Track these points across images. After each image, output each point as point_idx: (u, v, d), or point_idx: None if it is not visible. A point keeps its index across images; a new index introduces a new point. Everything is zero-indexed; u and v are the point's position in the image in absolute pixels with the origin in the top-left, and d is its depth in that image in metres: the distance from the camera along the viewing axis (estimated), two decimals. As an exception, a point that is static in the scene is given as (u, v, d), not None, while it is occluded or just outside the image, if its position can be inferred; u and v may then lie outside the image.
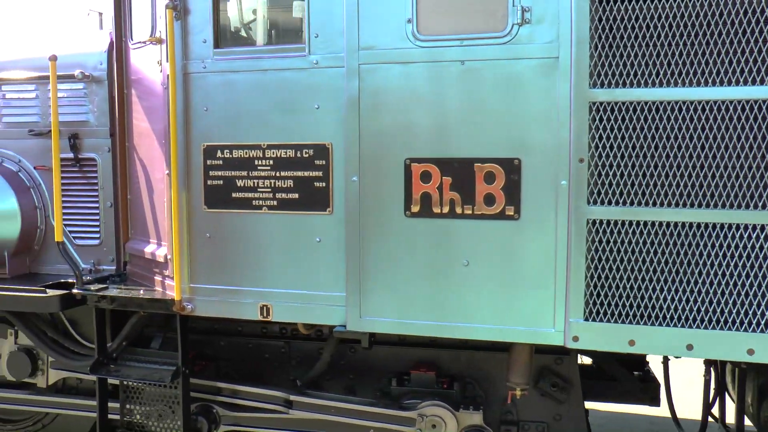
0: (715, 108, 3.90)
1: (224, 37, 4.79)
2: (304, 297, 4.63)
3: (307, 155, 4.54)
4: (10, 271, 5.64)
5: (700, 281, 4.00)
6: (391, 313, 4.44)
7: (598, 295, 4.13)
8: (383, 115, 4.34)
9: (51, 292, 5.19)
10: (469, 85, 4.21)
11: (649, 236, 4.05)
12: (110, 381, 5.48)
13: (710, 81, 3.89)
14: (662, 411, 6.23)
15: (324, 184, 4.52)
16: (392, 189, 4.37)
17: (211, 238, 4.78)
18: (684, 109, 3.94)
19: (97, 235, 5.64)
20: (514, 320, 4.27)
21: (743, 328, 3.93)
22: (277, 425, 5.22)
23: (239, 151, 4.68)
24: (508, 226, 4.23)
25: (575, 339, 4.17)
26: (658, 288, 4.07)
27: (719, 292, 3.98)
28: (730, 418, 5.67)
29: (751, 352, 3.90)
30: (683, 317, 4.04)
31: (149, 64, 5.06)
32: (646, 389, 5.86)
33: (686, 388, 6.70)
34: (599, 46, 4.01)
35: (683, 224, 3.99)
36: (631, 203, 4.06)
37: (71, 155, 5.62)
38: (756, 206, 3.87)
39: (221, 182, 4.73)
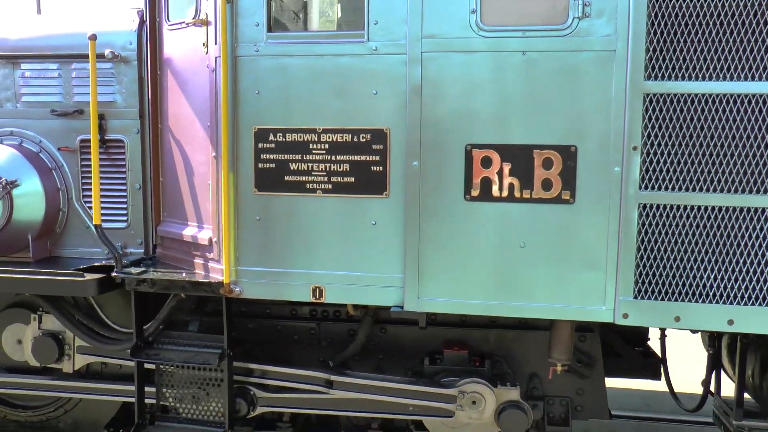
0: (761, 101, 4.20)
1: (278, 21, 4.80)
2: (358, 279, 4.73)
3: (364, 140, 4.62)
4: (34, 255, 5.51)
5: (741, 261, 4.32)
6: (448, 293, 4.60)
7: (647, 274, 4.40)
8: (445, 102, 4.47)
9: (89, 276, 5.10)
10: (529, 75, 4.39)
11: (696, 219, 4.34)
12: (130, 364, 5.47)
13: (757, 76, 4.18)
14: (655, 386, 6.63)
15: (381, 168, 4.62)
16: (452, 174, 4.51)
17: (261, 221, 4.81)
18: (732, 101, 4.23)
19: (125, 218, 5.56)
20: (567, 299, 4.50)
21: (782, 303, 4.27)
22: (316, 405, 5.30)
23: (293, 135, 4.71)
24: (564, 210, 4.45)
25: (625, 316, 4.43)
26: (702, 268, 4.37)
27: (758, 271, 4.31)
28: (726, 391, 6.08)
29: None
30: (725, 295, 4.35)
31: (189, 45, 5.01)
32: (648, 364, 6.21)
33: (681, 362, 7.09)
34: (654, 41, 4.25)
35: (729, 209, 4.29)
36: (680, 189, 4.33)
37: (98, 136, 5.50)
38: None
39: (273, 165, 4.76)
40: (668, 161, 4.33)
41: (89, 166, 5.54)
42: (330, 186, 4.70)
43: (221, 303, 5.07)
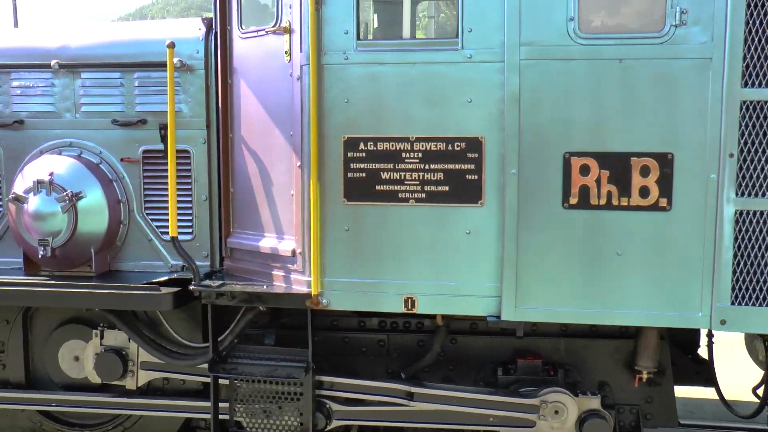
0: None
1: (368, 29, 4.74)
2: (451, 288, 4.68)
3: (458, 148, 4.59)
4: (96, 269, 5.34)
5: (836, 266, 4.38)
6: (546, 302, 4.57)
7: (744, 280, 4.43)
8: (542, 110, 4.46)
9: (165, 290, 4.96)
10: (625, 83, 4.40)
11: (792, 225, 4.39)
12: (200, 380, 5.36)
13: None
14: (693, 392, 6.67)
15: (476, 177, 4.59)
16: (550, 182, 4.50)
17: (350, 231, 4.73)
18: (828, 108, 4.30)
19: (190, 230, 5.43)
20: (664, 306, 4.51)
21: None
22: (393, 417, 5.22)
23: (384, 144, 4.65)
24: (660, 217, 4.46)
25: (722, 322, 4.46)
26: (799, 273, 4.42)
27: None
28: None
29: None
30: (822, 299, 4.41)
31: (267, 53, 4.92)
32: (700, 371, 6.26)
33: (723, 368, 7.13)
34: (752, 48, 4.30)
35: (825, 214, 4.35)
36: (777, 195, 4.38)
37: (161, 147, 5.37)
38: None
39: (363, 175, 4.69)
40: (765, 168, 4.37)
41: (152, 177, 5.45)
42: (423, 195, 4.65)
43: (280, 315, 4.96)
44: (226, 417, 5.17)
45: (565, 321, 4.69)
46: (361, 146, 4.68)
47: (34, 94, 5.56)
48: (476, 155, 4.58)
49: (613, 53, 4.39)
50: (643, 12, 4.39)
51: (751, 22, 4.28)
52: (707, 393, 6.35)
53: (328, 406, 5.23)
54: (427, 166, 4.64)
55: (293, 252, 4.86)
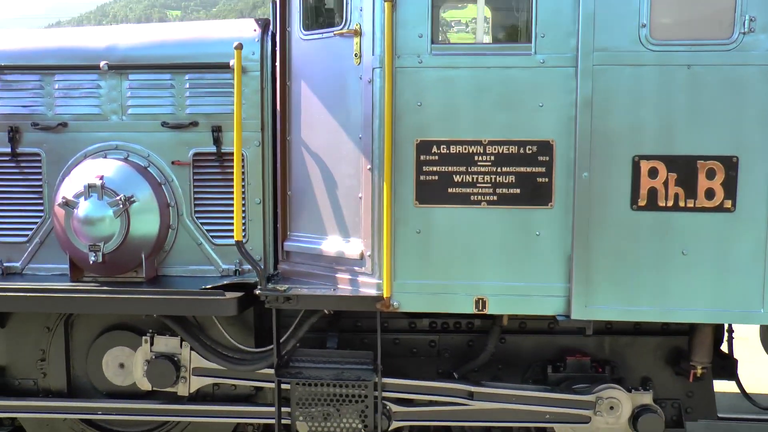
0: None
1: (442, 32, 4.78)
2: (520, 289, 4.77)
3: (530, 151, 4.68)
4: (147, 274, 5.24)
5: None
6: (615, 301, 4.70)
7: (803, 277, 4.64)
8: (613, 115, 4.59)
9: (230, 295, 4.90)
10: (693, 88, 4.57)
11: None
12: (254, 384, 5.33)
13: None
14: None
15: (546, 180, 4.68)
16: (620, 184, 4.63)
17: (422, 234, 4.77)
18: None
19: (243, 234, 5.34)
20: (727, 303, 4.69)
21: None
22: (452, 417, 5.28)
23: (458, 147, 4.71)
24: (724, 218, 4.64)
25: None
26: None
27: None
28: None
29: None
30: None
31: (333, 56, 4.92)
32: (725, 366, 6.49)
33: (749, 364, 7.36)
34: (818, 55, 4.50)
35: None
36: (837, 197, 4.59)
37: (213, 149, 5.31)
38: None
39: (436, 177, 4.74)
40: (826, 171, 4.58)
41: (203, 180, 5.38)
42: (495, 198, 4.72)
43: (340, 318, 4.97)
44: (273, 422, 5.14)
45: (634, 319, 4.83)
46: (434, 149, 4.72)
47: (79, 96, 5.42)
48: (547, 158, 4.67)
49: (682, 59, 4.55)
50: (712, 19, 4.55)
51: (817, 29, 4.48)
52: (722, 386, 6.60)
53: (387, 407, 5.25)
54: (499, 169, 4.71)
55: (361, 255, 4.86)
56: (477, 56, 4.68)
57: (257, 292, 4.89)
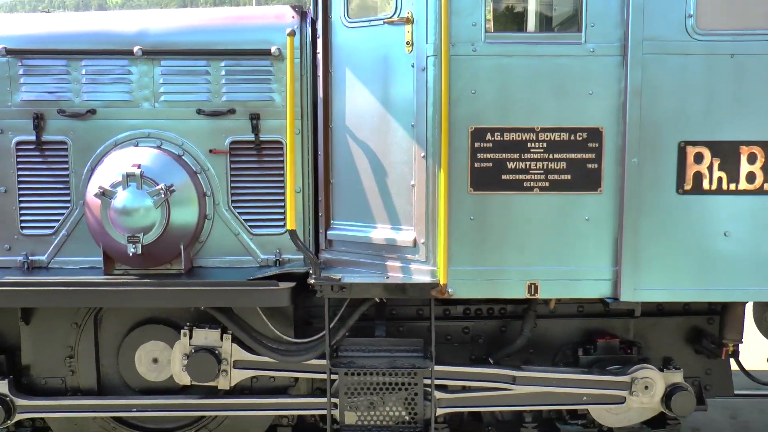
0: None
1: (496, 21, 4.84)
2: (570, 273, 4.88)
3: (580, 138, 4.79)
4: (186, 265, 5.13)
5: None
6: (662, 283, 4.87)
7: (838, 256, 4.90)
8: (660, 102, 4.74)
9: (283, 285, 4.84)
10: (736, 76, 4.77)
11: None
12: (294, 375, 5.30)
13: None
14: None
15: (596, 166, 4.81)
16: (666, 169, 4.79)
17: (475, 220, 4.82)
18: None
19: (281, 223, 5.30)
20: (766, 282, 4.91)
21: None
22: (494, 402, 5.36)
23: (511, 134, 4.78)
24: (763, 200, 4.86)
25: None
26: None
27: None
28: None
29: None
30: None
31: (382, 43, 4.91)
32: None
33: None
34: None
35: None
36: None
37: (251, 137, 5.23)
38: None
39: (490, 165, 4.80)
40: None
41: (241, 169, 5.30)
42: (547, 183, 4.82)
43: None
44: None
45: (680, 299, 5.02)
46: (488, 136, 4.78)
47: (109, 82, 5.24)
48: (596, 145, 4.80)
49: (726, 49, 4.74)
50: (756, 10, 4.76)
51: None
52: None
53: (432, 394, 5.29)
54: (550, 156, 4.81)
55: (414, 242, 4.88)
56: (530, 45, 4.76)
57: (311, 281, 4.85)
